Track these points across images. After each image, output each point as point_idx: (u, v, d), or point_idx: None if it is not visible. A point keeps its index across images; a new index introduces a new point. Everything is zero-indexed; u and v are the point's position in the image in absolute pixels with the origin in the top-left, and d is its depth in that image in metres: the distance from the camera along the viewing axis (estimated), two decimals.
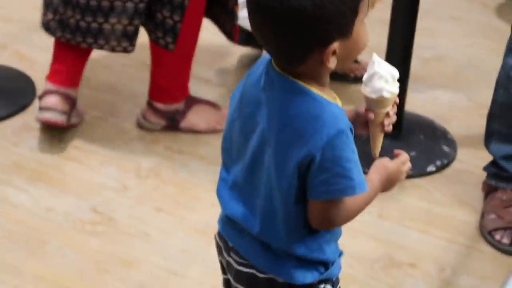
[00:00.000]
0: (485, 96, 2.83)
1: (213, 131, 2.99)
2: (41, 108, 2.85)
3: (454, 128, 3.04)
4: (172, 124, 2.98)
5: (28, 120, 3.01)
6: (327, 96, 1.46)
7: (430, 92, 3.32)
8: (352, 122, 1.50)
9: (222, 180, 1.62)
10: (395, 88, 1.50)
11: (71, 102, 2.87)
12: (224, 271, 1.73)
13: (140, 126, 3.00)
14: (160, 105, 2.97)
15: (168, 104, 2.97)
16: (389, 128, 1.59)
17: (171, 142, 2.92)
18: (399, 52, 2.96)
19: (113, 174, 2.76)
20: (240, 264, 1.60)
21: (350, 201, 1.49)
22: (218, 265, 1.74)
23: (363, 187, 1.46)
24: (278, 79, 1.46)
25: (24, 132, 2.95)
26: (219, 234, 1.68)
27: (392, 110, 1.56)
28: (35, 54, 3.41)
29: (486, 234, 2.50)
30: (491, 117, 2.63)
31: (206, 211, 2.53)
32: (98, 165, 2.80)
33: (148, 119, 2.98)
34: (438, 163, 2.87)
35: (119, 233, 2.51)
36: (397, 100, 1.57)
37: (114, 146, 2.89)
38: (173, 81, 2.99)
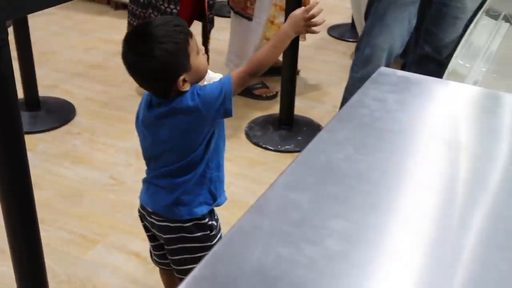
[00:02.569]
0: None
1: None
2: None
3: (324, 124, 3.04)
4: None
5: (70, 128, 3.03)
6: None
7: (311, 103, 3.33)
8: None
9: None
10: None
11: None
12: (147, 230, 1.63)
13: None
14: None
15: None
16: None
17: None
18: (289, 77, 2.91)
19: (122, 156, 2.79)
20: (158, 221, 1.54)
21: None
22: None
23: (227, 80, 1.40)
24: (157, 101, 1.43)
25: (68, 135, 2.97)
26: (141, 206, 1.59)
27: None
28: (75, 90, 3.42)
29: None
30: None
31: None
32: (114, 152, 2.82)
33: None
34: None
35: (127, 190, 2.55)
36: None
37: (124, 140, 2.90)
38: None
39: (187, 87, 1.38)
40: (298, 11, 1.47)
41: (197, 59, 1.39)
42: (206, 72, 1.44)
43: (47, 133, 2.98)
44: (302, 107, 3.21)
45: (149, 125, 1.47)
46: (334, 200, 0.84)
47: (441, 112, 1.17)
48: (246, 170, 2.74)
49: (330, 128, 1.01)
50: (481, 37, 2.04)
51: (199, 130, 1.42)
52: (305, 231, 0.77)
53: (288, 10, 2.81)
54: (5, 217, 1.51)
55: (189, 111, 1.39)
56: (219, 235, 1.58)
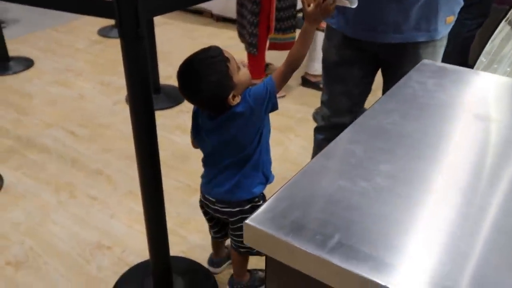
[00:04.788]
0: None
1: None
2: None
3: None
4: None
5: (181, 108, 3.05)
6: None
7: None
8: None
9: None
10: None
11: None
12: (206, 214, 1.57)
13: None
14: None
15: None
16: None
17: None
18: None
19: None
20: (222, 207, 1.47)
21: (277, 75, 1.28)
22: None
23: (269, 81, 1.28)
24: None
25: (179, 113, 2.99)
26: (203, 197, 1.50)
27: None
28: None
29: None
30: None
31: None
32: None
33: None
34: None
35: None
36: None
37: None
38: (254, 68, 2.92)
39: (237, 100, 1.28)
40: (311, 9, 1.26)
41: (239, 75, 1.28)
42: (250, 80, 1.31)
43: (164, 111, 3.01)
44: None
45: (212, 131, 1.37)
46: (382, 151, 0.84)
47: (472, 92, 1.14)
48: (312, 142, 2.74)
49: (381, 102, 1.01)
50: (503, 43, 1.94)
51: (253, 125, 1.33)
52: (359, 171, 0.78)
53: None
54: (139, 169, 1.52)
55: (244, 112, 1.30)
56: None
